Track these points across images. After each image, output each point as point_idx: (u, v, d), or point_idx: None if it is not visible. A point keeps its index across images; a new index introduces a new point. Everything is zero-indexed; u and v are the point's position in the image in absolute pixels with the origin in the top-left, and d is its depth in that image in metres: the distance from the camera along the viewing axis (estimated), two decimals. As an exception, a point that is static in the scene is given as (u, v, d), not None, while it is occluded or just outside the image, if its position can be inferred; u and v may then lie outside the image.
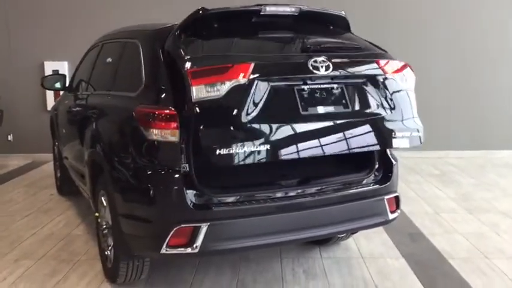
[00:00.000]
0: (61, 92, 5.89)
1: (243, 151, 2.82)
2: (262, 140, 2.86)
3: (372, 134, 3.19)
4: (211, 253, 3.13)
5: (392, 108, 3.25)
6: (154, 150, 3.05)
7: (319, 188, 3.30)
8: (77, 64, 5.32)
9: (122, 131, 3.42)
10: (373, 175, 3.50)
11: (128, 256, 3.33)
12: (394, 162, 3.56)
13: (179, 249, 2.95)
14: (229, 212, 3.03)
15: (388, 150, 3.59)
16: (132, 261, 3.38)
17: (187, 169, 3.00)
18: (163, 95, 3.10)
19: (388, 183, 3.49)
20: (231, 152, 2.79)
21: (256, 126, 2.90)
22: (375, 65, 3.29)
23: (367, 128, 3.18)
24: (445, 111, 7.96)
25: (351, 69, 3.26)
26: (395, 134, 3.21)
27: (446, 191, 6.09)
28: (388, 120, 3.23)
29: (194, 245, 2.93)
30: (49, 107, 7.46)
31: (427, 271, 3.83)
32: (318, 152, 3.06)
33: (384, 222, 3.49)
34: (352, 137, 3.11)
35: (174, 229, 2.91)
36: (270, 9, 3.25)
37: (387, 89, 3.26)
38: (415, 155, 7.53)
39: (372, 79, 3.26)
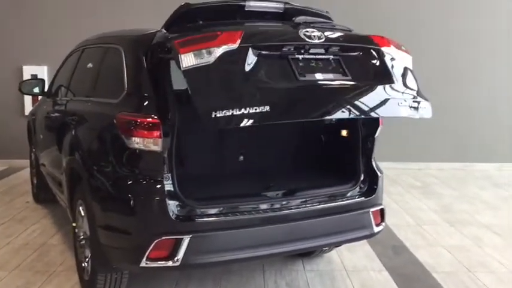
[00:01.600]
0: (39, 97, 5.74)
1: (239, 113, 2.58)
2: (258, 103, 2.63)
3: (377, 100, 2.97)
4: (193, 266, 3.03)
5: (395, 79, 3.07)
6: (135, 160, 2.96)
7: (304, 200, 3.25)
8: (56, 68, 5.19)
9: (102, 139, 3.32)
10: (358, 187, 3.46)
11: (106, 268, 3.22)
12: (379, 174, 3.53)
13: (160, 262, 2.86)
14: (213, 224, 2.95)
15: (373, 162, 3.56)
16: (111, 274, 3.27)
17: (170, 179, 2.92)
18: (146, 102, 3.02)
19: (374, 195, 3.45)
20: (226, 114, 2.55)
21: (251, 90, 2.73)
22: (369, 40, 3.18)
23: (371, 95, 2.97)
24: (425, 123, 7.96)
25: (345, 42, 3.13)
26: (401, 103, 2.99)
27: (428, 203, 6.10)
28: (392, 89, 3.03)
29: (175, 258, 2.83)
30: (27, 112, 7.27)
31: (411, 285, 3.80)
32: (319, 114, 2.90)
33: (369, 235, 3.44)
34: (355, 102, 2.91)
35: (155, 241, 2.81)
36: (254, 4, 3.18)
37: (385, 62, 3.12)
38: (397, 165, 7.53)
39: (369, 52, 3.14)
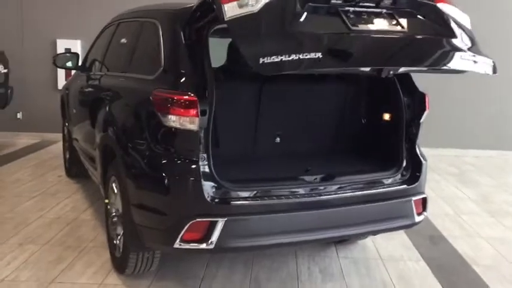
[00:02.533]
0: (73, 72, 5.70)
1: (289, 59, 2.41)
2: (309, 49, 2.46)
3: (437, 53, 2.77)
4: (227, 250, 2.96)
5: (455, 34, 2.86)
6: (171, 138, 2.87)
7: (343, 185, 3.12)
8: (90, 43, 5.13)
9: (137, 116, 3.23)
10: (400, 174, 3.31)
11: (138, 247, 3.16)
12: (423, 161, 3.36)
13: (193, 244, 2.78)
14: (248, 207, 2.85)
15: (417, 148, 3.39)
16: (142, 253, 3.22)
17: (205, 160, 2.82)
18: (183, 79, 2.91)
19: (416, 183, 3.29)
20: (275, 60, 2.39)
21: (301, 37, 2.56)
22: None
23: (431, 47, 2.78)
24: (462, 108, 7.72)
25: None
26: (464, 57, 2.78)
27: (466, 191, 5.88)
28: (453, 44, 2.82)
29: (209, 241, 2.75)
30: (60, 86, 7.29)
31: (450, 277, 3.64)
32: (375, 62, 2.72)
33: (410, 225, 3.30)
34: (414, 53, 2.72)
35: (189, 223, 2.73)
36: None
37: (444, 18, 2.91)
38: (433, 152, 7.29)
39: (425, 8, 2.94)
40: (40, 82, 7.78)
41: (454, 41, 2.84)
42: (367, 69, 2.95)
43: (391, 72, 3.02)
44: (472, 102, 7.77)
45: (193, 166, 2.80)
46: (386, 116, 3.51)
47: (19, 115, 7.91)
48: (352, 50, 2.64)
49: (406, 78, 3.41)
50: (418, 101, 3.34)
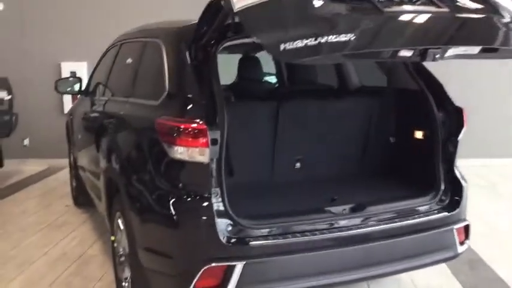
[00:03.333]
0: (79, 96, 5.43)
1: (314, 43, 2.04)
2: (335, 31, 2.10)
3: (486, 31, 2.38)
4: None
5: (503, 14, 2.41)
6: (178, 172, 2.55)
7: (376, 216, 2.75)
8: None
9: (141, 147, 2.91)
10: (438, 200, 2.94)
11: None
12: (463, 183, 2.99)
13: (209, 292, 2.43)
14: (270, 247, 2.50)
15: (456, 169, 3.02)
16: None
17: (219, 195, 2.49)
18: (191, 105, 2.59)
19: (458, 209, 2.94)
20: (298, 45, 2.04)
21: (324, 20, 2.18)
22: None
23: (479, 24, 2.37)
24: (487, 114, 7.32)
25: None
26: None
27: (500, 206, 5.47)
28: (503, 21, 2.38)
29: (227, 288, 2.40)
30: (66, 111, 7.03)
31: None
32: (413, 42, 2.31)
33: (453, 256, 2.94)
34: (460, 31, 2.31)
35: (203, 269, 2.40)
36: None
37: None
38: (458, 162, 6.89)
39: None
40: (46, 107, 7.53)
41: (503, 19, 2.38)
42: (407, 53, 2.48)
43: (437, 56, 2.56)
44: (499, 107, 7.35)
45: (205, 203, 2.47)
46: (419, 134, 3.16)
47: (26, 141, 7.65)
48: (387, 28, 2.23)
49: (439, 90, 3.05)
50: (455, 117, 2.98)
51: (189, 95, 2.63)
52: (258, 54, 4.99)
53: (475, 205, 5.43)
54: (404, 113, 3.30)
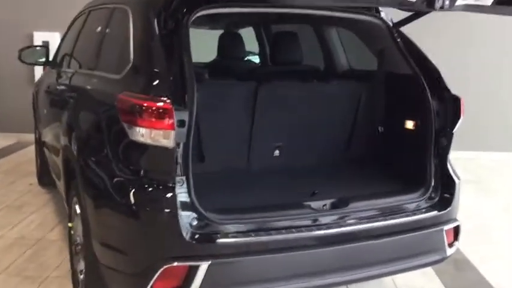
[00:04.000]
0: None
1: None
2: None
3: None
4: None
5: None
6: (139, 157, 2.24)
7: (360, 213, 2.48)
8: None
9: (101, 126, 2.58)
10: (428, 197, 2.67)
11: None
12: (456, 180, 2.73)
13: (168, 294, 2.14)
14: (240, 246, 2.22)
15: (449, 165, 2.76)
16: None
17: (184, 184, 2.18)
18: (157, 80, 2.27)
19: (449, 208, 2.68)
20: None
21: None
22: None
23: None
24: (476, 104, 7.09)
25: None
26: None
27: (489, 202, 5.25)
28: None
29: (188, 291, 2.11)
30: (37, 82, 6.64)
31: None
32: None
33: (440, 259, 2.68)
34: None
35: (162, 268, 2.10)
36: None
37: None
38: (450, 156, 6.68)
39: None
40: (16, 78, 7.11)
41: None
42: None
43: (446, 3, 2.20)
44: (488, 97, 7.12)
45: (168, 193, 2.16)
46: (410, 124, 2.88)
47: (-6, 114, 7.25)
48: None
49: (435, 76, 2.77)
50: (451, 106, 2.71)
51: (156, 69, 2.32)
52: (241, 31, 4.74)
53: (461, 201, 5.23)
54: (395, 100, 3.02)
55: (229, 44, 3.62)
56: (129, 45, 2.50)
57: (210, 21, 2.63)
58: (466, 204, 5.02)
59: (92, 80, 2.96)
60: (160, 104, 2.14)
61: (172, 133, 2.12)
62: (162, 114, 2.13)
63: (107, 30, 3.04)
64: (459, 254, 3.88)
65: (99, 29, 3.24)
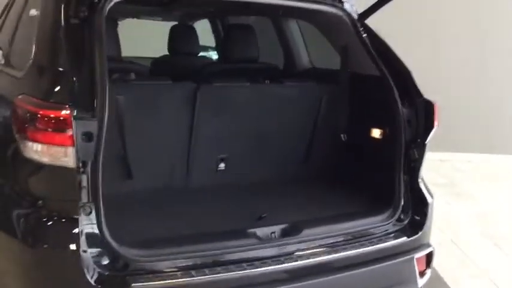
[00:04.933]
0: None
1: None
2: None
3: None
4: None
5: None
6: (32, 178, 1.80)
7: (315, 242, 2.09)
8: None
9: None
10: (396, 219, 2.29)
11: None
12: (429, 199, 2.35)
13: None
14: None
15: (420, 181, 2.38)
16: None
17: (92, 213, 1.74)
18: (60, 81, 1.83)
19: (420, 233, 2.30)
20: None
21: None
22: None
23: None
24: (448, 104, 6.81)
25: None
26: None
27: (461, 208, 4.93)
28: None
29: None
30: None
31: None
32: None
33: (409, 293, 2.28)
34: None
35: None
36: None
37: None
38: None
39: None
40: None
41: None
42: None
43: None
44: (461, 96, 6.85)
45: (69, 226, 1.72)
46: (376, 133, 2.49)
47: None
48: None
49: (406, 78, 2.37)
50: (423, 113, 2.32)
51: (60, 68, 1.86)
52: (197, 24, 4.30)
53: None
54: (360, 104, 2.61)
55: (179, 38, 3.21)
56: (33, 36, 2.04)
57: (151, 11, 2.24)
58: (438, 212, 4.71)
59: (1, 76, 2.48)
60: (58, 112, 1.68)
61: (71, 150, 1.67)
62: (59, 125, 1.68)
63: (22, 17, 2.56)
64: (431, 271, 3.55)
65: (17, 15, 2.75)
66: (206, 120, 2.40)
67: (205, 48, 4.58)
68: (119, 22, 4.44)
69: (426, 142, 2.33)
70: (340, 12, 2.49)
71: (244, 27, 2.94)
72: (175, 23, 3.97)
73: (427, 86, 2.43)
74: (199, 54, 3.81)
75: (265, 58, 3.07)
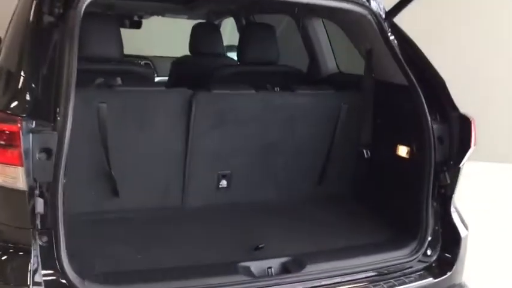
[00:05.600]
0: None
1: None
2: None
3: None
4: None
5: None
6: None
7: (320, 282, 1.74)
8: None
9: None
10: (422, 255, 1.92)
11: None
12: (463, 232, 1.97)
13: None
14: None
15: (453, 210, 2.00)
16: None
17: (50, 243, 1.49)
18: (17, 87, 1.62)
19: (449, 273, 1.92)
20: None
21: None
22: None
23: None
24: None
25: None
26: None
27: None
28: None
29: None
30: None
31: None
32: None
33: None
34: None
35: None
36: None
37: None
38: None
39: None
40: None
41: None
42: None
43: None
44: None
45: (18, 260, 1.47)
46: (403, 151, 2.12)
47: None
48: None
49: (439, 89, 2.00)
50: (458, 130, 1.94)
51: (22, 74, 1.62)
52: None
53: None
54: (384, 118, 2.25)
55: (200, 37, 3.02)
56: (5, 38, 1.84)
57: (176, 9, 2.04)
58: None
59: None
60: (7, 125, 1.44)
61: (21, 170, 1.42)
62: (8, 140, 1.43)
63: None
64: None
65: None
66: (204, 132, 2.11)
67: (233, 48, 4.31)
68: (144, 20, 4.31)
69: (461, 165, 1.95)
70: (363, 10, 2.14)
71: (262, 26, 2.66)
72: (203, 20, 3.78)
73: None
74: (227, 55, 3.57)
75: (292, 62, 2.78)
